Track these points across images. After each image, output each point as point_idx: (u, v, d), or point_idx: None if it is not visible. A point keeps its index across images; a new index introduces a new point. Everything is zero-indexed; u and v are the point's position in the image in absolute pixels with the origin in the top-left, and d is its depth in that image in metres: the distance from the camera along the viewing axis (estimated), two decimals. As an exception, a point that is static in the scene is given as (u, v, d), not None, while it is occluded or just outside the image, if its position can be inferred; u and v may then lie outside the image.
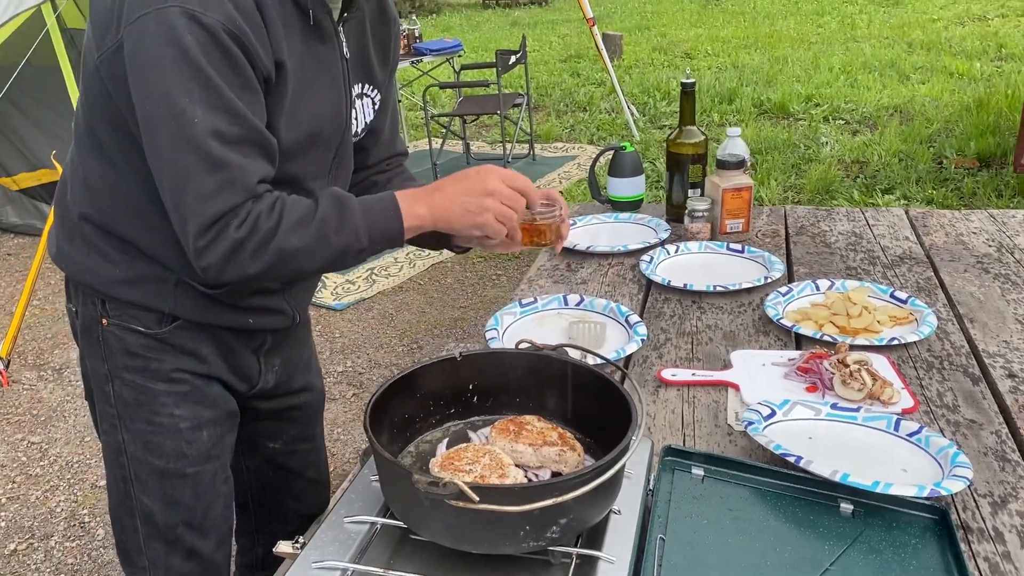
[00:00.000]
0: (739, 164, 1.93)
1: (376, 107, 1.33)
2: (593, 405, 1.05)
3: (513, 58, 5.50)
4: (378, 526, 0.96)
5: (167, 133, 0.99)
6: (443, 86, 6.08)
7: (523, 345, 1.11)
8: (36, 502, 2.78)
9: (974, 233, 1.94)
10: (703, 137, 2.06)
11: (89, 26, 1.08)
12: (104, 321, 1.23)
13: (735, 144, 2.01)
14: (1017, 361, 1.39)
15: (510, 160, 5.86)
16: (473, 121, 6.27)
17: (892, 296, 1.62)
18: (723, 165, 1.94)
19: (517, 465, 0.99)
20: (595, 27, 6.26)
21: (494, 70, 5.43)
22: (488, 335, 1.53)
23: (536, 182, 5.87)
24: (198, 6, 0.98)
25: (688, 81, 2.02)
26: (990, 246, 1.86)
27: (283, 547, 0.95)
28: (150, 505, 1.28)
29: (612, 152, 2.21)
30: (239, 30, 1.00)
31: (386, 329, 3.84)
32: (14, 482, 2.90)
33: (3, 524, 2.69)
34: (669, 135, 2.08)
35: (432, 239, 1.26)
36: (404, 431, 1.07)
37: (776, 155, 5.60)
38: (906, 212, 2.11)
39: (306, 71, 1.12)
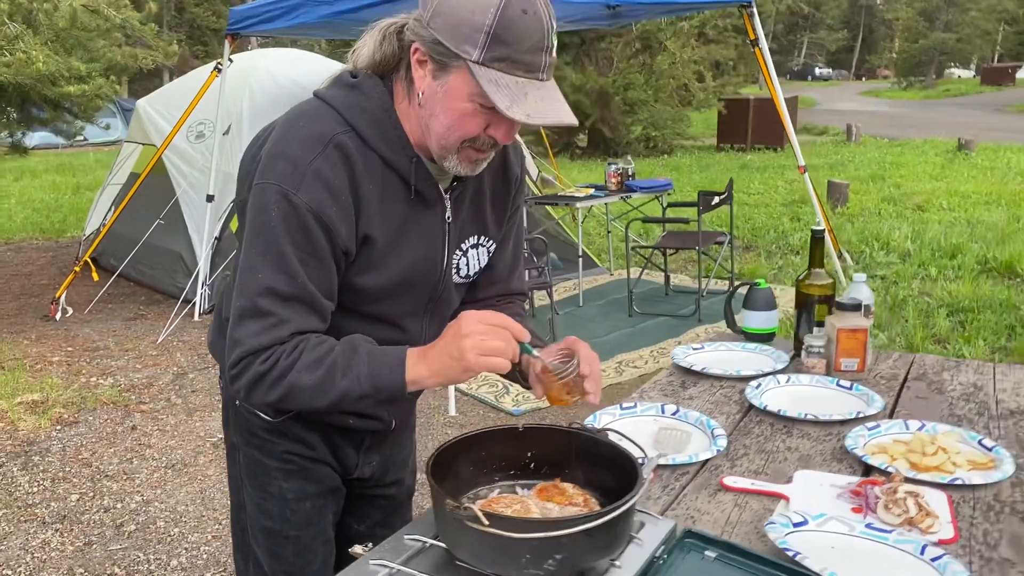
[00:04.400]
0: (855, 307, 2.05)
1: (491, 254, 1.54)
2: (620, 480, 1.26)
3: (716, 199, 5.75)
4: (427, 544, 1.22)
5: (241, 278, 1.28)
6: (645, 220, 6.44)
7: (575, 425, 1.35)
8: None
9: (1106, 397, 1.91)
10: (830, 280, 2.20)
11: (239, 167, 1.39)
12: (237, 401, 1.52)
13: (859, 289, 2.15)
14: (1084, 516, 1.41)
15: (704, 295, 6.02)
16: (673, 254, 6.55)
17: (980, 443, 1.67)
18: (840, 307, 2.07)
19: (545, 518, 1.21)
20: (806, 174, 6.39)
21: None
22: (583, 428, 1.76)
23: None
24: (292, 187, 1.24)
25: (818, 228, 2.19)
26: (1117, 411, 1.83)
27: (356, 549, 1.23)
28: (260, 554, 1.56)
29: (748, 287, 2.40)
30: (322, 212, 1.25)
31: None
32: (220, 523, 3.41)
33: (205, 557, 3.19)
34: (799, 276, 2.24)
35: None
36: (468, 481, 1.33)
37: (989, 315, 5.35)
38: (1041, 372, 2.10)
39: (401, 234, 1.36)
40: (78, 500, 3.63)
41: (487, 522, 1.07)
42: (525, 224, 6.24)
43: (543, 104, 1.23)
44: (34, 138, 20.88)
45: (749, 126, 17.59)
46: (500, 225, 1.55)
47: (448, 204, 1.42)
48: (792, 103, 18.47)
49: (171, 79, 9.69)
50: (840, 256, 7.22)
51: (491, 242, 1.54)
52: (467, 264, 1.51)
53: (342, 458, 1.58)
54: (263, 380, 1.26)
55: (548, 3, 1.25)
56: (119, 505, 3.58)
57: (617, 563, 1.17)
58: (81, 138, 22.42)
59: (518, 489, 1.33)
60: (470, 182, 1.44)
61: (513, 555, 1.09)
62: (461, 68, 1.23)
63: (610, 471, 1.29)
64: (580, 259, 6.36)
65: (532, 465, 1.37)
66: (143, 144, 7.55)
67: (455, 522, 1.11)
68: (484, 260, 1.54)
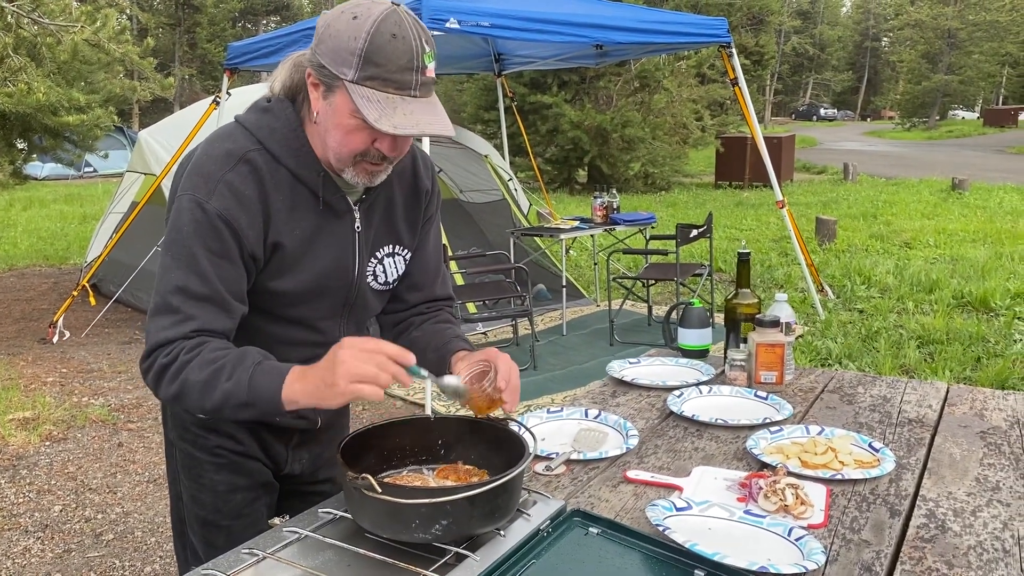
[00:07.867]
0: (773, 323, 2.21)
1: (407, 262, 1.69)
2: (513, 462, 1.41)
3: (695, 232, 5.92)
4: (337, 516, 1.37)
5: (157, 278, 1.41)
6: (625, 252, 6.61)
7: (480, 416, 1.51)
8: None
9: (999, 409, 2.05)
10: (756, 299, 2.36)
11: (170, 187, 1.52)
12: None
13: (780, 308, 2.30)
14: (946, 505, 1.55)
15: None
16: (654, 285, 6.71)
17: (870, 446, 1.81)
18: (760, 323, 2.23)
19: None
20: (784, 208, 6.56)
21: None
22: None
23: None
24: (205, 196, 1.39)
25: (744, 251, 2.35)
26: (1007, 422, 1.97)
27: (275, 520, 1.38)
28: (196, 543, 1.69)
29: (684, 307, 2.55)
30: (231, 217, 1.39)
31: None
32: (196, 534, 3.55)
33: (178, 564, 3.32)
34: (728, 296, 2.40)
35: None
36: (381, 464, 1.48)
37: (957, 346, 5.47)
38: (948, 387, 2.24)
39: (312, 242, 1.49)
40: (61, 511, 3.77)
41: (379, 490, 1.22)
42: (512, 255, 6.42)
43: (411, 117, 1.38)
44: (44, 169, 21.32)
45: (747, 164, 17.83)
46: (414, 235, 1.69)
47: (357, 215, 1.56)
48: (789, 142, 18.71)
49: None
50: (821, 290, 7.38)
51: (406, 251, 1.68)
52: (384, 272, 1.65)
53: (272, 454, 1.70)
54: (164, 373, 1.36)
55: (421, 27, 1.40)
56: (100, 516, 3.72)
57: (502, 533, 1.32)
58: (90, 169, 22.87)
59: (424, 470, 1.48)
60: (379, 195, 1.59)
61: (404, 520, 1.24)
62: (342, 88, 1.39)
63: (507, 455, 1.44)
64: (564, 289, 6.52)
65: (443, 451, 1.52)
66: (144, 174, 7.78)
67: (355, 491, 1.26)
68: (401, 268, 1.69)
